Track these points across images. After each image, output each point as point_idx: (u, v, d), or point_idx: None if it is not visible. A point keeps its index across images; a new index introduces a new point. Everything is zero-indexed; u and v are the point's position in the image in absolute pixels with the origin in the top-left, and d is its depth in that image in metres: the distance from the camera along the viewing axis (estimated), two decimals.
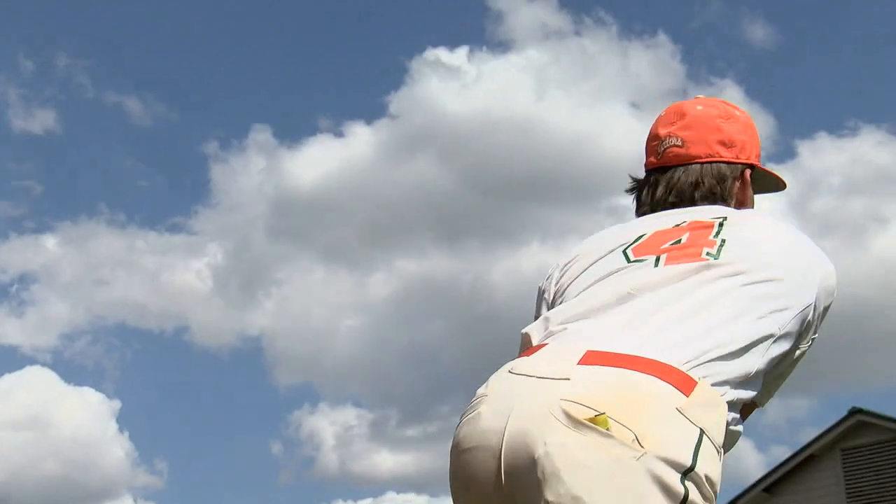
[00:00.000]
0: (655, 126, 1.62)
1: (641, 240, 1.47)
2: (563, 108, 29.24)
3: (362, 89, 32.59)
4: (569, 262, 1.54)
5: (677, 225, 1.48)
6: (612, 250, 1.48)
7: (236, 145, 32.14)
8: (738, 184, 1.57)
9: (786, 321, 1.36)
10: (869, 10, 30.96)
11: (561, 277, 1.53)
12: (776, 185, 1.67)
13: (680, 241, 1.44)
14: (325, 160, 30.75)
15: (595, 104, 30.21)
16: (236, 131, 31.55)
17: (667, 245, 1.44)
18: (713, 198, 1.54)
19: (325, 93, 32.64)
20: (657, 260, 1.41)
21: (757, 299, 1.35)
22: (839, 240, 29.62)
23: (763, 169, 1.63)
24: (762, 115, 35.53)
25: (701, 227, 1.46)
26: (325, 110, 34.42)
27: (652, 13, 32.59)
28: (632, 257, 1.44)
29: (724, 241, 1.41)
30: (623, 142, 29.35)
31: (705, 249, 1.40)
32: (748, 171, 1.58)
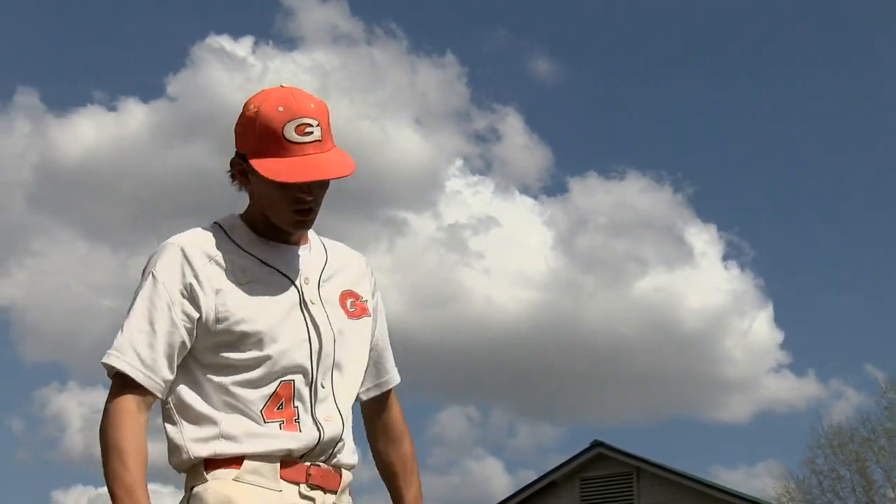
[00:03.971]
0: None
1: None
2: (347, 113, 28.89)
3: (141, 66, 30.76)
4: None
5: None
6: None
7: None
8: (236, 171, 1.76)
9: None
10: (655, 68, 32.75)
11: None
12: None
13: None
14: (95, 133, 29.13)
15: (379, 115, 30.10)
16: (0, 91, 29.50)
17: None
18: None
19: (101, 63, 30.47)
20: None
21: None
22: (601, 278, 30.98)
23: (250, 162, 1.71)
24: (540, 148, 36.35)
25: None
26: (99, 81, 32.77)
27: (443, 33, 33.04)
28: None
29: None
30: (404, 155, 29.29)
31: None
32: (238, 160, 1.74)
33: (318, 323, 1.75)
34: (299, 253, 1.80)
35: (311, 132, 1.71)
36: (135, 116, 30.68)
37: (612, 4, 33.63)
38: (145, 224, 28.84)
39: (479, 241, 28.24)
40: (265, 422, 1.68)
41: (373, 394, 1.92)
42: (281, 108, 1.70)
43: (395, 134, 30.76)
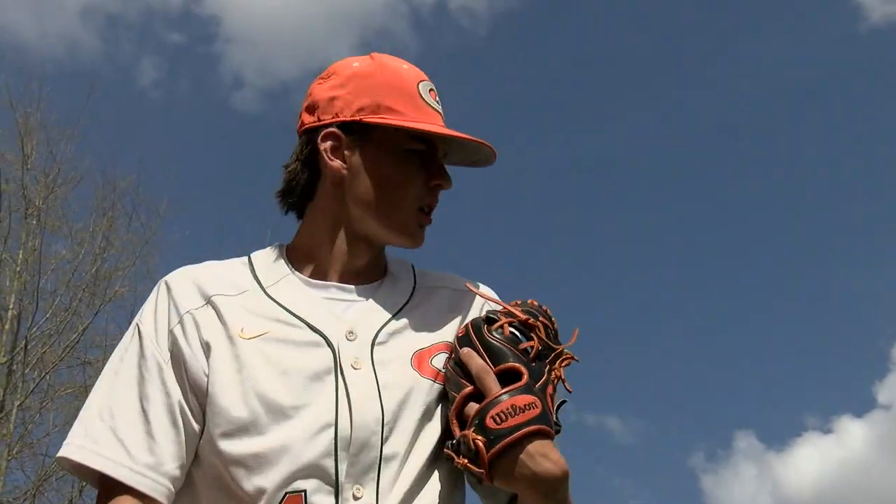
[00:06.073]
0: None
1: None
2: None
3: (845, 383, 31.58)
4: None
5: None
6: None
7: (722, 455, 28.94)
8: (323, 149, 1.26)
9: None
10: None
11: None
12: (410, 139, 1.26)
13: None
14: (819, 459, 28.97)
15: None
16: (720, 441, 30.83)
17: None
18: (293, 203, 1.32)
19: (805, 390, 31.70)
20: None
21: None
22: None
23: (374, 121, 1.25)
24: None
25: None
26: (808, 407, 33.75)
27: None
28: None
29: None
30: None
31: None
32: (334, 130, 1.25)
33: (356, 396, 1.16)
34: (359, 296, 1.26)
35: (439, 101, 1.32)
36: (853, 433, 31.92)
37: None
38: None
39: None
40: None
41: None
42: (406, 66, 1.31)
43: None
